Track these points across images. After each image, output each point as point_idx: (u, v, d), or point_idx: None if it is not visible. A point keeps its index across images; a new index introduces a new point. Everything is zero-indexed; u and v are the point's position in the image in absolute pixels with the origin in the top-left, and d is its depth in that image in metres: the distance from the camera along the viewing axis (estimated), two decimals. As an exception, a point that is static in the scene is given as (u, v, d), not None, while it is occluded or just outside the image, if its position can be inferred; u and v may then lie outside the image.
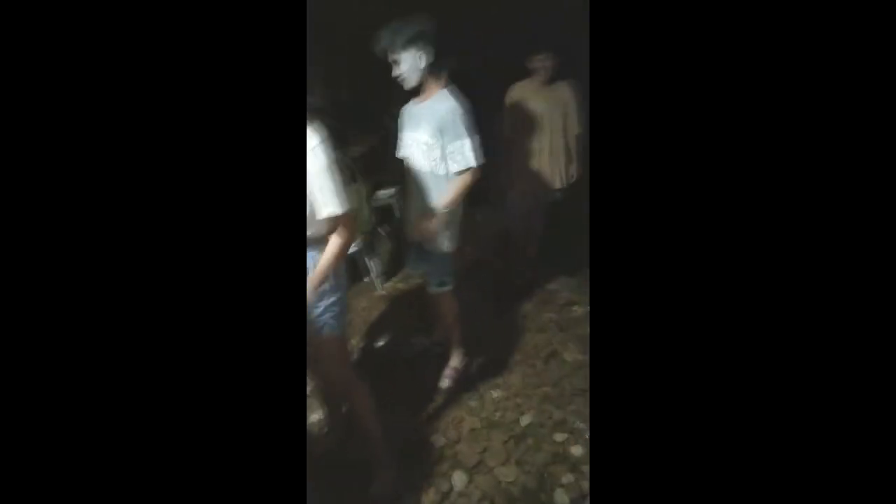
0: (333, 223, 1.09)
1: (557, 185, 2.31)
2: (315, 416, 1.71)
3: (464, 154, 1.44)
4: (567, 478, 1.46)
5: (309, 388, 1.72)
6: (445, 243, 1.58)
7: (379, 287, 2.56)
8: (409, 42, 1.36)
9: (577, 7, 1.49)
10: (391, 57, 1.40)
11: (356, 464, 1.47)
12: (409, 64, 1.39)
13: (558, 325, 2.17)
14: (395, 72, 1.42)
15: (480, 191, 1.63)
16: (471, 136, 1.43)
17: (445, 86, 1.47)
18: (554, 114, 2.15)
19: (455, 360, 1.83)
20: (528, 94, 2.17)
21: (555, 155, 2.25)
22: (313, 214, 1.07)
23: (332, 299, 1.18)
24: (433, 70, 1.43)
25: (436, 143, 1.44)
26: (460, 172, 1.46)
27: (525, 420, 1.67)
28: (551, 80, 2.13)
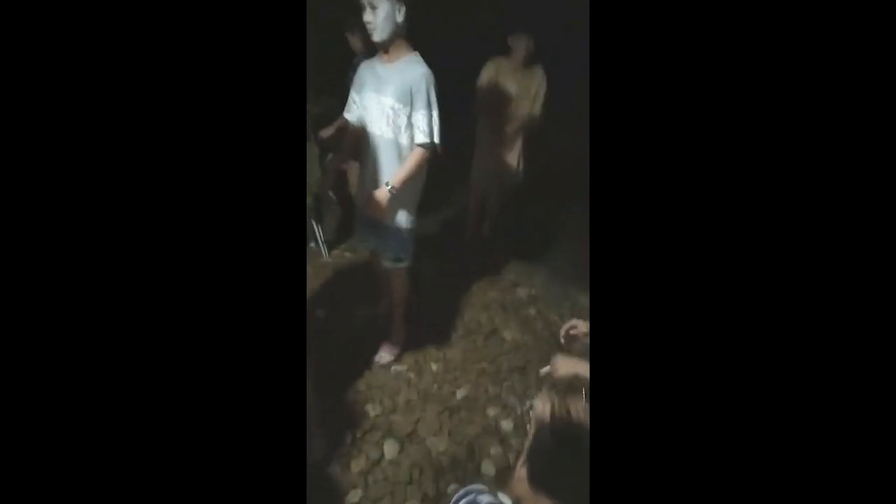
0: None
1: (518, 167, 2.33)
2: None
3: (429, 126, 1.39)
4: (495, 449, 1.51)
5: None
6: (403, 218, 1.53)
7: (325, 254, 2.48)
8: None
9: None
10: (370, 1, 1.29)
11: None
12: (386, 13, 1.29)
13: (501, 304, 2.22)
14: (368, 17, 1.31)
15: (440, 166, 1.60)
16: (437, 109, 1.39)
17: (413, 49, 1.41)
18: (523, 97, 2.15)
19: (396, 337, 1.82)
20: (502, 73, 2.15)
21: (517, 137, 2.26)
22: None
23: None
24: (404, 30, 1.35)
25: (402, 109, 1.37)
26: (421, 145, 1.41)
27: (461, 393, 1.71)
28: (527, 62, 2.12)
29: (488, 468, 1.45)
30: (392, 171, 1.45)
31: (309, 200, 2.37)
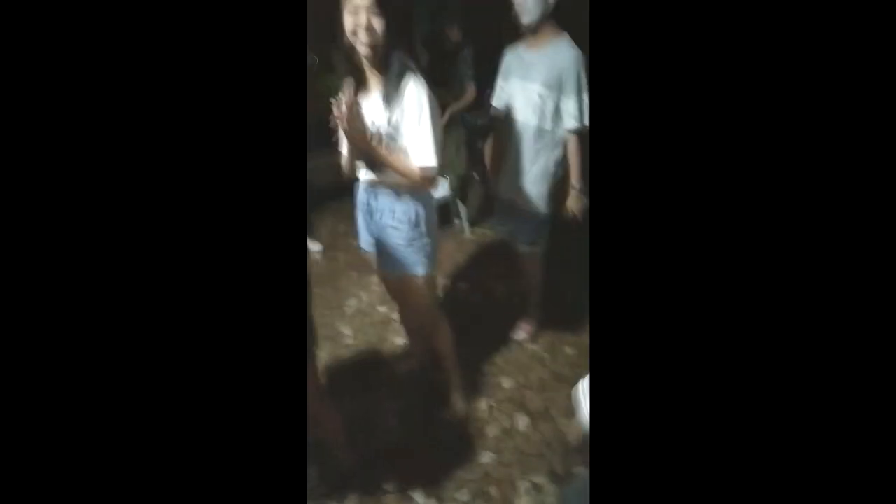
0: (434, 173, 1.14)
1: None
2: (399, 340, 1.90)
3: (580, 111, 1.37)
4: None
5: (396, 317, 1.90)
6: (541, 202, 1.55)
7: (467, 231, 2.64)
8: None
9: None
10: None
11: (433, 386, 1.64)
12: None
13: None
14: None
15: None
16: (586, 92, 1.36)
17: (562, 32, 1.38)
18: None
19: (532, 317, 1.88)
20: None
21: None
22: (403, 158, 1.12)
23: (426, 240, 1.27)
24: (555, 13, 1.33)
25: (550, 96, 1.37)
26: (573, 131, 1.40)
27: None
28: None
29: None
30: (536, 163, 1.47)
31: (454, 181, 2.53)
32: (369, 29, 1.01)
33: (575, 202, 1.50)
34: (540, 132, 1.43)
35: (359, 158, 1.18)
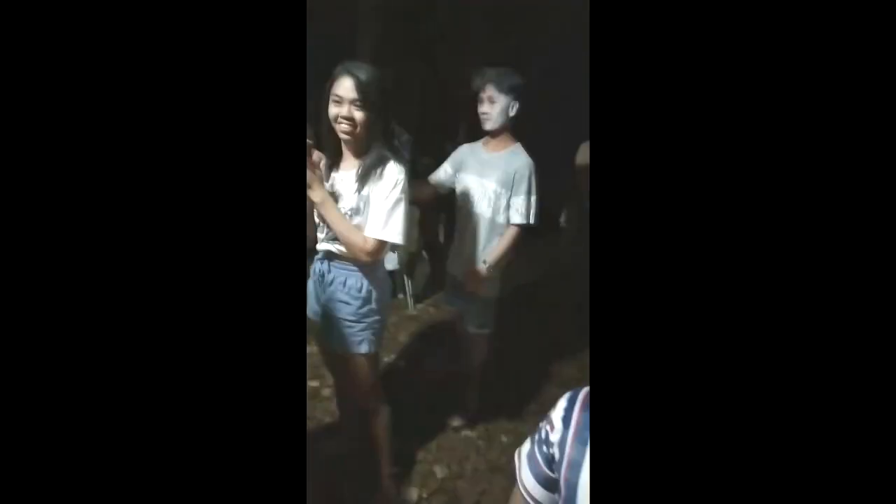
0: (379, 245, 1.15)
1: None
2: (328, 418, 1.78)
3: (528, 210, 1.53)
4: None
5: (330, 391, 1.80)
6: (491, 289, 1.64)
7: (411, 307, 2.64)
8: (511, 89, 1.47)
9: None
10: (488, 93, 1.48)
11: (358, 473, 1.53)
12: (502, 107, 1.48)
13: (579, 382, 2.16)
14: (485, 109, 1.50)
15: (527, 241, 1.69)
16: (535, 194, 1.53)
17: (516, 140, 1.57)
18: None
19: (471, 404, 1.86)
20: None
21: None
22: (361, 225, 1.15)
23: (375, 318, 1.26)
24: (513, 123, 1.54)
25: (504, 193, 1.53)
26: (518, 225, 1.54)
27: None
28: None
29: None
30: (488, 247, 1.58)
31: (402, 256, 2.57)
32: (350, 119, 1.09)
33: (473, 274, 1.58)
34: (492, 223, 1.57)
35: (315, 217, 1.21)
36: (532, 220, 1.54)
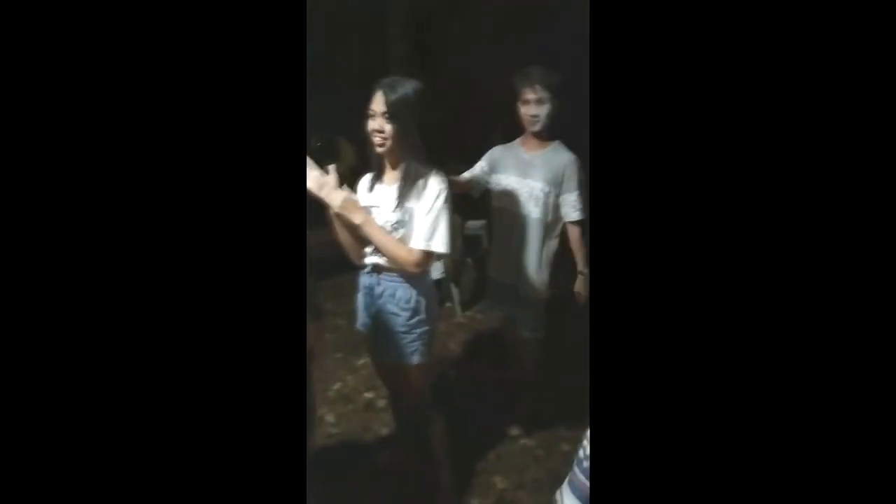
0: (426, 257, 1.15)
1: None
2: (385, 429, 1.80)
3: (581, 204, 1.50)
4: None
5: (385, 402, 1.81)
6: (543, 289, 1.60)
7: (459, 314, 2.63)
8: (558, 90, 1.45)
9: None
10: (538, 94, 1.44)
11: (416, 485, 1.52)
12: (549, 109, 1.46)
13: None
14: (532, 111, 1.46)
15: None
16: (585, 189, 1.50)
17: (553, 138, 1.54)
18: None
19: (527, 411, 1.82)
20: None
21: None
22: (406, 238, 1.16)
23: (425, 328, 1.26)
24: (553, 124, 1.52)
25: (552, 192, 1.50)
26: (575, 222, 1.51)
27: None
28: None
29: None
30: (543, 249, 1.56)
31: (447, 264, 2.57)
32: (381, 132, 1.13)
33: (582, 286, 1.56)
34: (542, 224, 1.53)
35: (350, 238, 1.23)
36: (585, 215, 1.51)
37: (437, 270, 2.55)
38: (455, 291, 2.65)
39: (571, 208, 1.50)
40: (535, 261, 1.56)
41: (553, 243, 1.57)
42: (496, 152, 1.64)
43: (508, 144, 1.63)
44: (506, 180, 1.58)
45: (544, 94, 1.44)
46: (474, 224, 2.79)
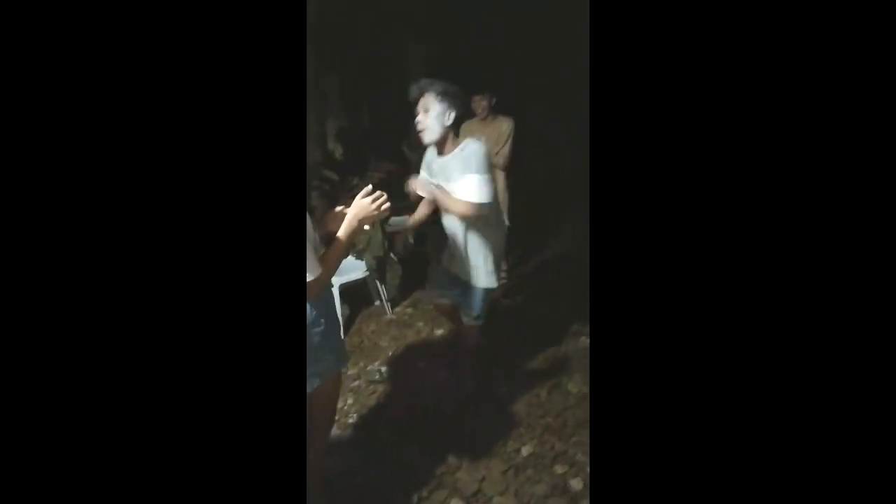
0: (478, 207, 1.43)
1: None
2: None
3: (479, 189, 1.49)
4: (565, 511, 1.43)
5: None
6: (486, 278, 1.66)
7: (389, 312, 2.60)
8: (443, 96, 1.47)
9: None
10: (423, 104, 1.48)
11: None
12: (437, 114, 1.48)
13: (565, 354, 2.16)
14: (420, 118, 1.49)
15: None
16: (488, 173, 1.50)
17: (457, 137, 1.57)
18: (491, 142, 2.44)
19: (469, 385, 1.87)
20: (471, 130, 2.42)
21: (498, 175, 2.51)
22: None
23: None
24: (452, 129, 1.53)
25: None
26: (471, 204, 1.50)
27: (526, 450, 1.66)
28: (489, 115, 2.52)
29: (559, 532, 1.38)
30: (478, 241, 1.62)
31: (371, 262, 2.54)
32: (421, 122, 1.49)
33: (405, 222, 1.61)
34: (476, 220, 1.58)
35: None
36: (486, 199, 1.49)
37: (360, 269, 2.51)
38: (382, 289, 2.62)
39: (469, 191, 1.49)
40: (480, 253, 1.63)
41: (496, 236, 1.63)
42: (427, 155, 1.65)
43: (432, 152, 1.63)
44: (438, 183, 1.59)
45: (427, 104, 1.47)
46: (397, 220, 2.77)
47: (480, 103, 2.50)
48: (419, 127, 1.51)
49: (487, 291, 1.69)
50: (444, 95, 1.47)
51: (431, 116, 1.48)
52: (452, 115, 1.49)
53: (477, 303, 1.70)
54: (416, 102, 1.50)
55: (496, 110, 2.54)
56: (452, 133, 1.55)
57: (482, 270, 1.66)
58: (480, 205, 1.50)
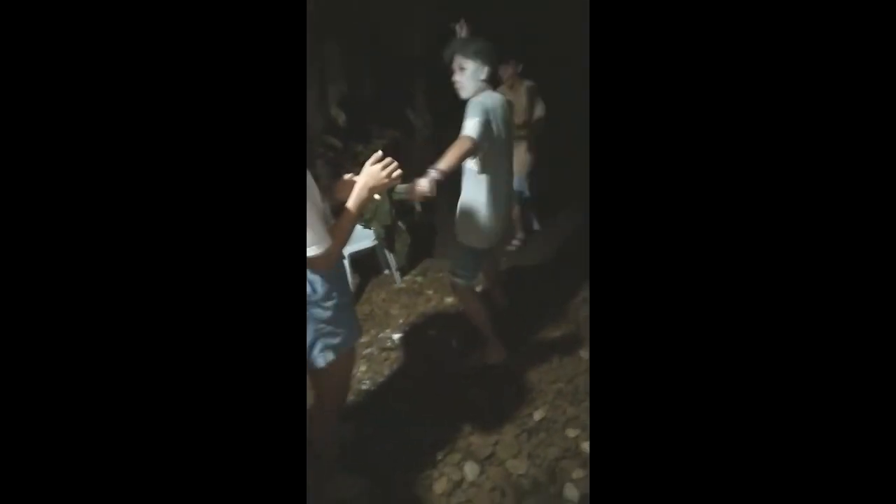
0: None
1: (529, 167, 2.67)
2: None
3: (477, 127, 1.45)
4: (577, 473, 1.46)
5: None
6: (470, 237, 1.68)
7: (398, 280, 2.60)
8: (477, 54, 1.53)
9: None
10: (458, 61, 1.54)
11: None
12: (471, 72, 1.54)
13: (577, 322, 2.16)
14: (456, 77, 1.56)
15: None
16: (481, 116, 1.46)
17: None
18: (518, 109, 2.44)
19: (495, 355, 1.89)
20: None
21: (522, 142, 2.55)
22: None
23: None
24: (487, 84, 1.58)
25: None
26: (467, 137, 1.44)
27: (538, 415, 1.68)
28: (513, 82, 2.53)
29: (571, 492, 1.41)
30: (468, 195, 1.62)
31: (379, 230, 2.51)
32: (458, 76, 1.55)
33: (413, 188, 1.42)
34: (485, 174, 1.60)
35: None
36: (474, 135, 1.44)
37: (368, 238, 2.49)
38: (391, 258, 2.60)
39: (467, 126, 1.46)
40: (472, 211, 1.63)
41: (495, 198, 1.63)
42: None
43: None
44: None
45: (462, 62, 1.53)
46: (403, 187, 2.72)
47: (506, 70, 2.50)
48: (456, 85, 1.58)
49: (475, 251, 1.71)
50: (478, 54, 1.53)
51: (466, 75, 1.54)
52: (486, 69, 1.56)
53: (462, 261, 1.74)
54: (450, 62, 1.57)
55: (522, 75, 2.56)
56: (489, 88, 1.59)
57: (471, 229, 1.68)
58: (467, 139, 1.44)
